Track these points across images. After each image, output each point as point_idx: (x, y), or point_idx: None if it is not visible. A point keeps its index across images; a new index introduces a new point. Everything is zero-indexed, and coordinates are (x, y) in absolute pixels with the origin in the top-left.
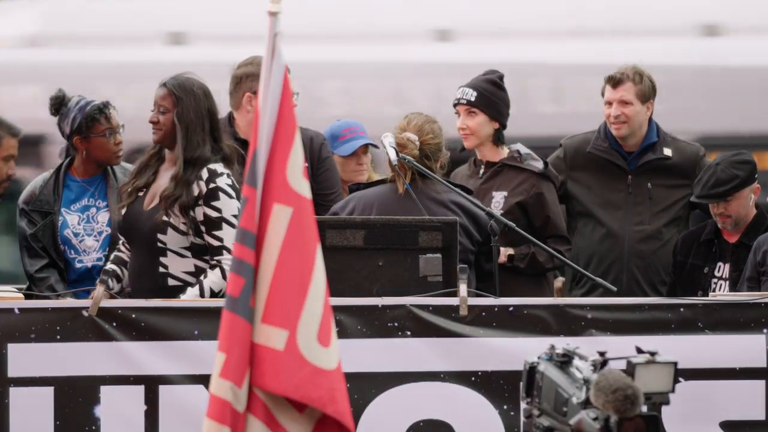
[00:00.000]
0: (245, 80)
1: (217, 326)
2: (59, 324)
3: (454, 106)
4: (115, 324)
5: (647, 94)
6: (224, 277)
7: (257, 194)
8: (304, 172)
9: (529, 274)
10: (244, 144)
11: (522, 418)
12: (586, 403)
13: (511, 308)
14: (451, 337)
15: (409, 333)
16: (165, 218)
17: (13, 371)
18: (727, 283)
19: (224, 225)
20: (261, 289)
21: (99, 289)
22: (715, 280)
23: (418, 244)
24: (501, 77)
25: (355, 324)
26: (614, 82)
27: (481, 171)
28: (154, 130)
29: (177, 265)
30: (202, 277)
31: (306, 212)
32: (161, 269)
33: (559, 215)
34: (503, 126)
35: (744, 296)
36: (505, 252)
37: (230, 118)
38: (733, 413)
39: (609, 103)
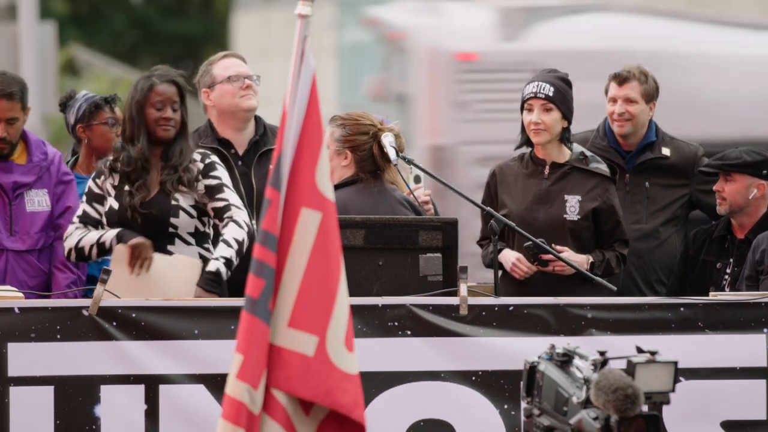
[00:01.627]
0: (200, 83)
1: (217, 326)
2: (59, 323)
3: (525, 100)
4: (115, 323)
5: (651, 95)
6: (240, 226)
7: (281, 197)
8: (330, 175)
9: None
10: (226, 144)
11: (522, 418)
12: (587, 403)
13: (511, 308)
14: (452, 336)
15: (409, 332)
16: (174, 202)
17: (13, 371)
18: (730, 279)
19: (225, 189)
20: (287, 293)
21: (99, 289)
22: (726, 276)
23: (418, 243)
24: (568, 75)
25: (355, 324)
26: (620, 79)
27: (546, 171)
28: (168, 127)
29: (184, 253)
30: (221, 236)
31: (333, 216)
32: None
33: (623, 219)
34: (570, 125)
35: (744, 296)
36: (587, 260)
37: (209, 123)
38: (734, 413)
39: (614, 101)
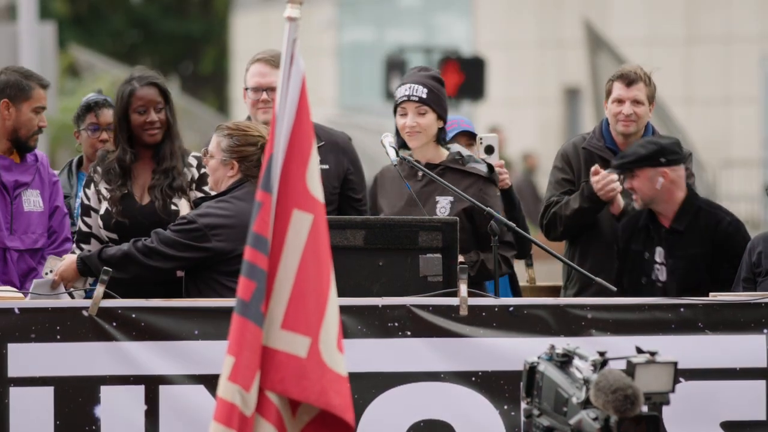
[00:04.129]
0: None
1: (218, 326)
2: (59, 324)
3: (398, 104)
4: (115, 324)
5: (653, 96)
6: None
7: (272, 199)
8: (320, 176)
9: (475, 282)
10: None
11: (522, 418)
12: (586, 403)
13: (511, 308)
14: (452, 337)
15: (409, 333)
16: (174, 207)
17: (13, 371)
18: (665, 268)
19: None
20: (280, 295)
21: (99, 289)
22: (657, 265)
23: (418, 244)
24: (439, 73)
25: (355, 324)
26: (629, 81)
27: (420, 173)
28: (156, 131)
29: None
30: None
31: (323, 218)
32: None
33: (503, 220)
34: (445, 124)
35: (744, 296)
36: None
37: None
38: (734, 413)
39: (620, 101)
